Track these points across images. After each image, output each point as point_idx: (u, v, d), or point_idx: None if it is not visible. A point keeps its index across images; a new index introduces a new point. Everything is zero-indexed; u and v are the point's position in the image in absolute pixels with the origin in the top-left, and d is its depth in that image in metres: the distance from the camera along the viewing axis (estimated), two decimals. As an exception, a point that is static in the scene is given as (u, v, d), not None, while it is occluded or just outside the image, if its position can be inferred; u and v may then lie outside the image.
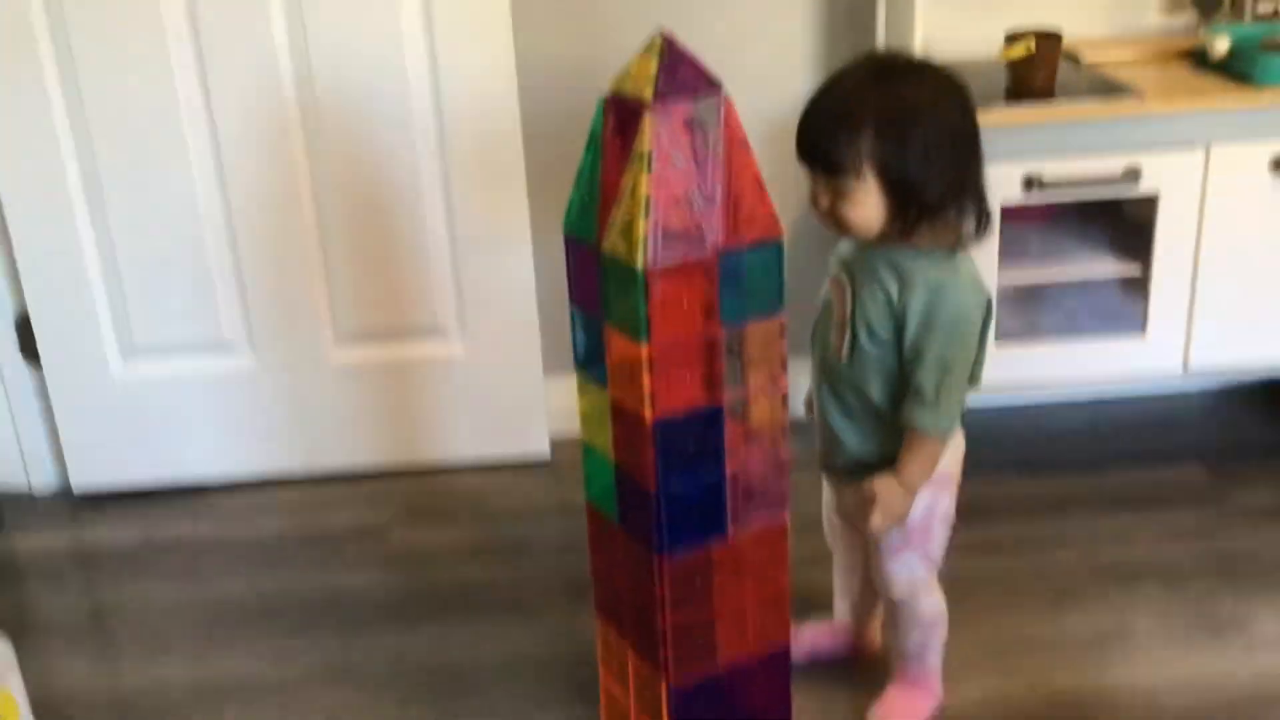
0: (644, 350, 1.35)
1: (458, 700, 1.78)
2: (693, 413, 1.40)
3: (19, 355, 2.31)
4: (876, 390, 1.49)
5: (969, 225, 1.45)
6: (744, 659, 1.55)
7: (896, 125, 1.38)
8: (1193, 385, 2.47)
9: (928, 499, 1.52)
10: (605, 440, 1.49)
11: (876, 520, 1.51)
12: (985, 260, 1.97)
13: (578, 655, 1.80)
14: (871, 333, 1.47)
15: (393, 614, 1.97)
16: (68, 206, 2.17)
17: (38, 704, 1.77)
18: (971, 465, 2.14)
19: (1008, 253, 2.03)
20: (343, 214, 2.20)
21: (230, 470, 2.35)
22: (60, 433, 2.33)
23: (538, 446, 2.37)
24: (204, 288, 2.24)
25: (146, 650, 1.93)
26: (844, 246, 1.53)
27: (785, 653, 1.58)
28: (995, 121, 1.93)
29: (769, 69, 2.25)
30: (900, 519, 1.52)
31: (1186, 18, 2.26)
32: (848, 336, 1.49)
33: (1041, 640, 1.83)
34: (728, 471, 1.45)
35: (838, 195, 1.42)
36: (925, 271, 1.43)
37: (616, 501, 1.50)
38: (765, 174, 1.38)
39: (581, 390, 1.52)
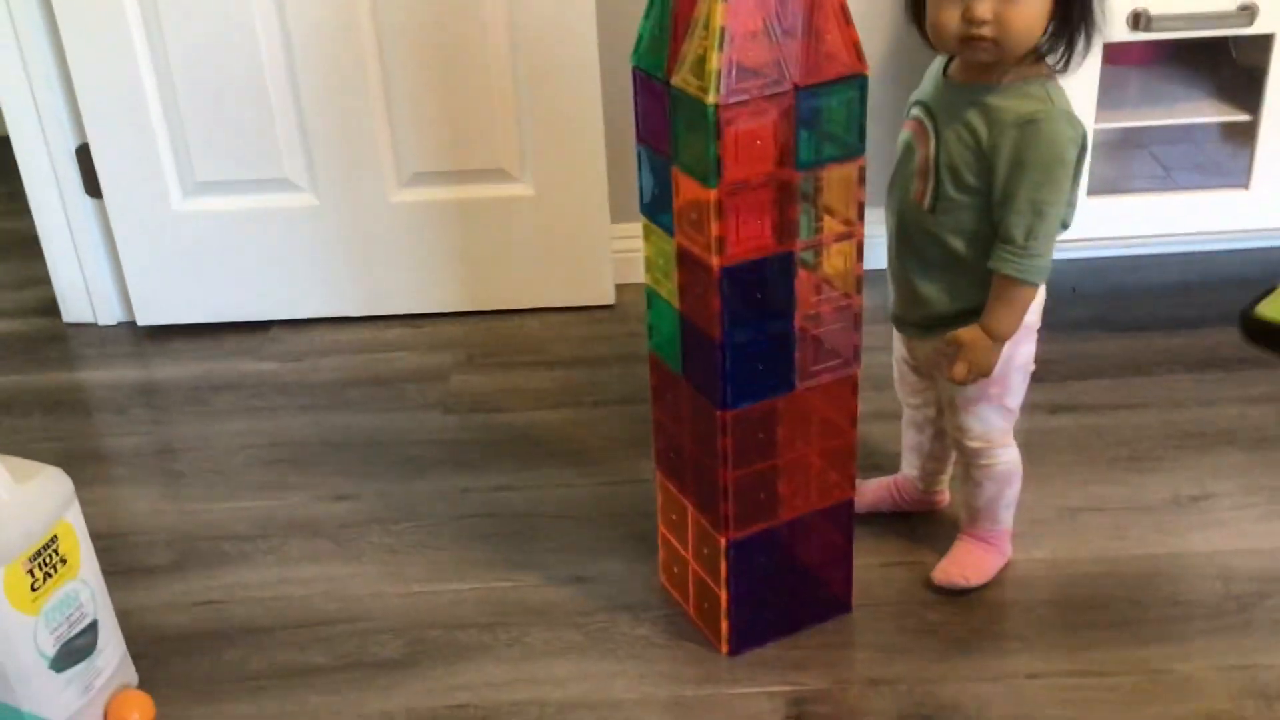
0: (713, 193, 1.28)
1: (515, 545, 1.77)
2: (762, 260, 1.34)
3: (81, 188, 2.28)
4: (961, 239, 1.41)
5: (1064, 56, 1.34)
6: (805, 513, 1.52)
7: None
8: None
9: (1008, 349, 1.45)
10: (670, 288, 1.43)
11: (960, 371, 1.45)
12: (1083, 101, 1.85)
13: (637, 505, 1.78)
14: (957, 178, 1.38)
15: (453, 457, 1.96)
16: (126, 38, 2.10)
17: (101, 535, 1.79)
18: (1054, 319, 2.06)
19: (1106, 95, 1.91)
20: (406, 50, 2.12)
21: (292, 308, 2.34)
22: (123, 267, 2.32)
23: (602, 292, 2.31)
24: (265, 124, 2.18)
25: (208, 484, 1.94)
26: (924, 87, 1.43)
27: (848, 507, 1.54)
28: (1100, -48, 1.79)
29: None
30: (987, 370, 1.45)
31: None
32: (931, 183, 1.40)
33: (1114, 502, 1.77)
34: (797, 321, 1.39)
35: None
36: (1016, 108, 1.34)
37: (680, 352, 1.45)
38: (854, 7, 1.28)
39: (647, 235, 1.45)
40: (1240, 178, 1.92)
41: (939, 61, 1.44)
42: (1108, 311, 2.21)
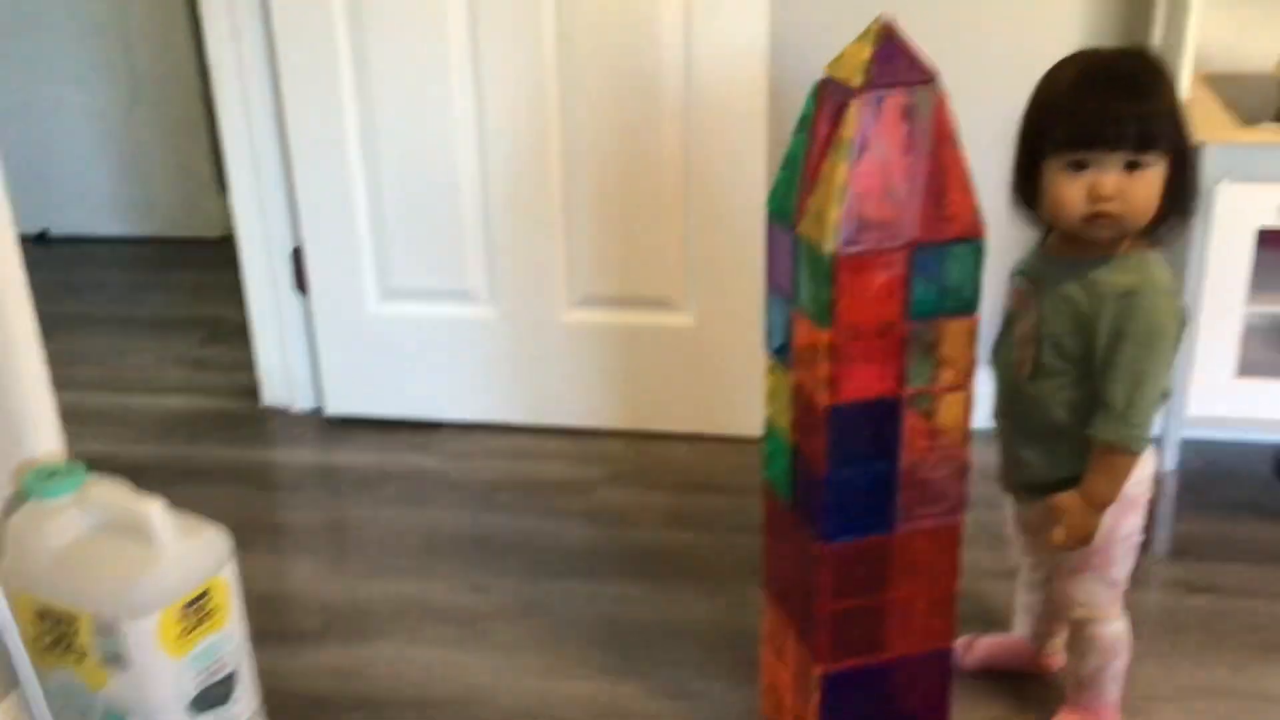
0: (826, 335, 1.36)
1: (630, 653, 1.84)
2: (870, 402, 1.40)
3: (292, 285, 2.53)
4: (1061, 407, 1.45)
5: (1166, 231, 1.39)
6: (903, 656, 1.54)
7: (1175, 100, 1.37)
8: None
9: (1109, 520, 1.46)
10: (786, 422, 1.51)
11: (1059, 537, 1.47)
12: (1234, 284, 1.87)
13: (748, 632, 1.83)
14: (1058, 347, 1.43)
15: (585, 565, 2.06)
16: (344, 154, 2.35)
17: (259, 597, 1.97)
18: (1200, 499, 2.04)
19: (1264, 280, 1.91)
20: (588, 180, 2.30)
21: (462, 411, 2.51)
22: (320, 360, 2.54)
23: (751, 424, 2.39)
24: (456, 240, 2.38)
25: (362, 564, 2.10)
26: (1027, 258, 1.49)
27: (947, 654, 1.56)
28: (1261, 139, 1.82)
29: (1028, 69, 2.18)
30: (1086, 538, 1.47)
31: None
32: (1032, 352, 1.45)
33: (1237, 690, 1.72)
34: (902, 465, 1.44)
35: (1131, 175, 1.35)
36: (1116, 279, 1.39)
37: (790, 484, 1.52)
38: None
39: (770, 371, 1.54)
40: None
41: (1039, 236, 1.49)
42: (1262, 497, 2.16)
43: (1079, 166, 1.36)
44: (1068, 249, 1.43)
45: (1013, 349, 1.49)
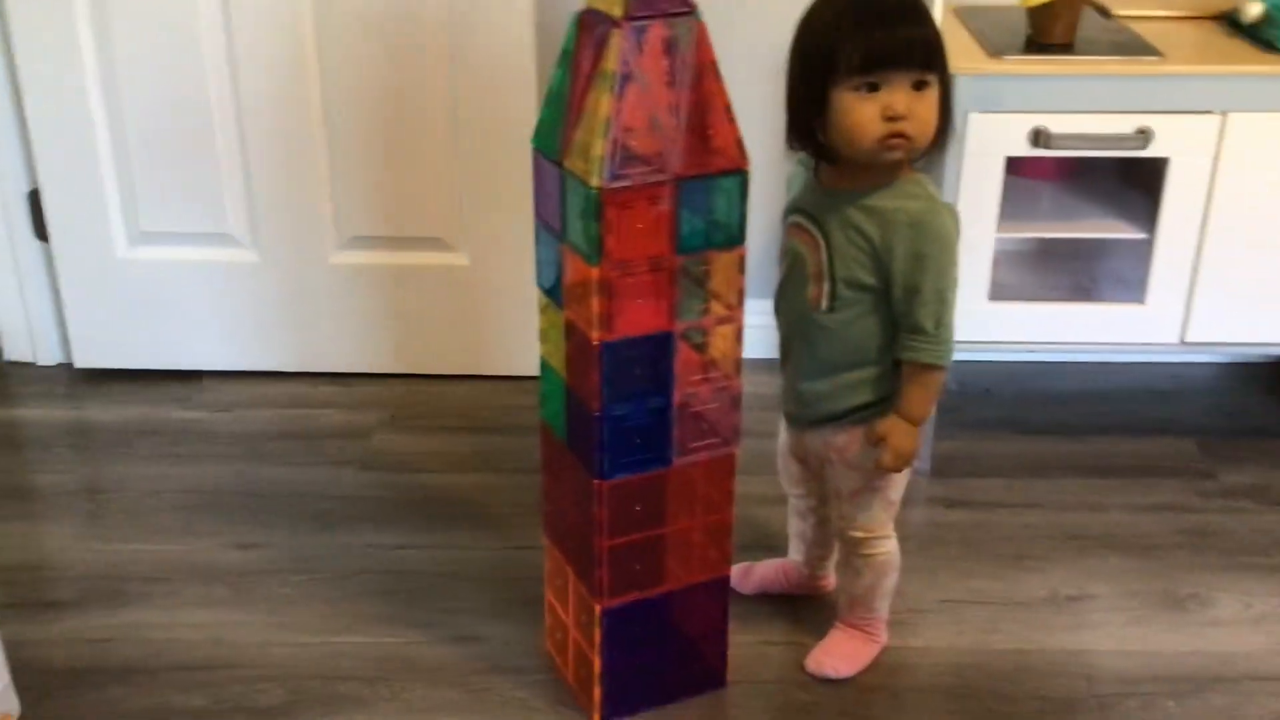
0: (595, 271, 1.34)
1: (409, 602, 1.81)
2: (642, 337, 1.40)
3: (30, 231, 2.35)
4: (864, 335, 1.48)
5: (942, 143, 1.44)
6: (683, 586, 1.56)
7: (936, 26, 1.41)
8: (1197, 357, 2.42)
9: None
10: (560, 361, 1.49)
11: (888, 461, 1.51)
12: (985, 212, 1.94)
13: (534, 572, 1.81)
14: (853, 279, 1.46)
15: (363, 514, 2.01)
16: (82, 87, 2.19)
17: (8, 567, 1.84)
18: (957, 419, 2.14)
19: (1013, 206, 1.99)
20: (352, 119, 2.20)
21: (226, 360, 2.39)
22: (65, 309, 2.38)
23: (528, 363, 2.37)
24: (212, 180, 2.25)
25: (119, 526, 1.98)
26: (799, 192, 1.51)
27: (724, 583, 1.59)
28: (1008, 70, 1.89)
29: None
30: (912, 455, 1.52)
31: (1232, -21, 2.19)
32: (827, 286, 1.48)
33: (994, 597, 1.82)
34: (676, 399, 1.45)
35: (919, 94, 1.38)
36: (905, 206, 1.42)
37: (565, 422, 1.51)
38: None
39: (542, 308, 1.52)
40: (1137, 292, 2.00)
41: (804, 170, 1.51)
42: (1013, 414, 2.28)
43: (872, 88, 1.38)
44: (844, 180, 1.45)
45: (803, 285, 1.50)
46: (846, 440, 1.54)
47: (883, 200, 1.44)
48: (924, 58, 1.38)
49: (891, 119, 1.38)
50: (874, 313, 1.47)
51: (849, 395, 1.52)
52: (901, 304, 1.45)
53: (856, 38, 1.37)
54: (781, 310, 1.57)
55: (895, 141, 1.40)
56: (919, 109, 1.39)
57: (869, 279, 1.45)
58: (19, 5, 2.13)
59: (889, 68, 1.37)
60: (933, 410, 1.51)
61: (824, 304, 1.49)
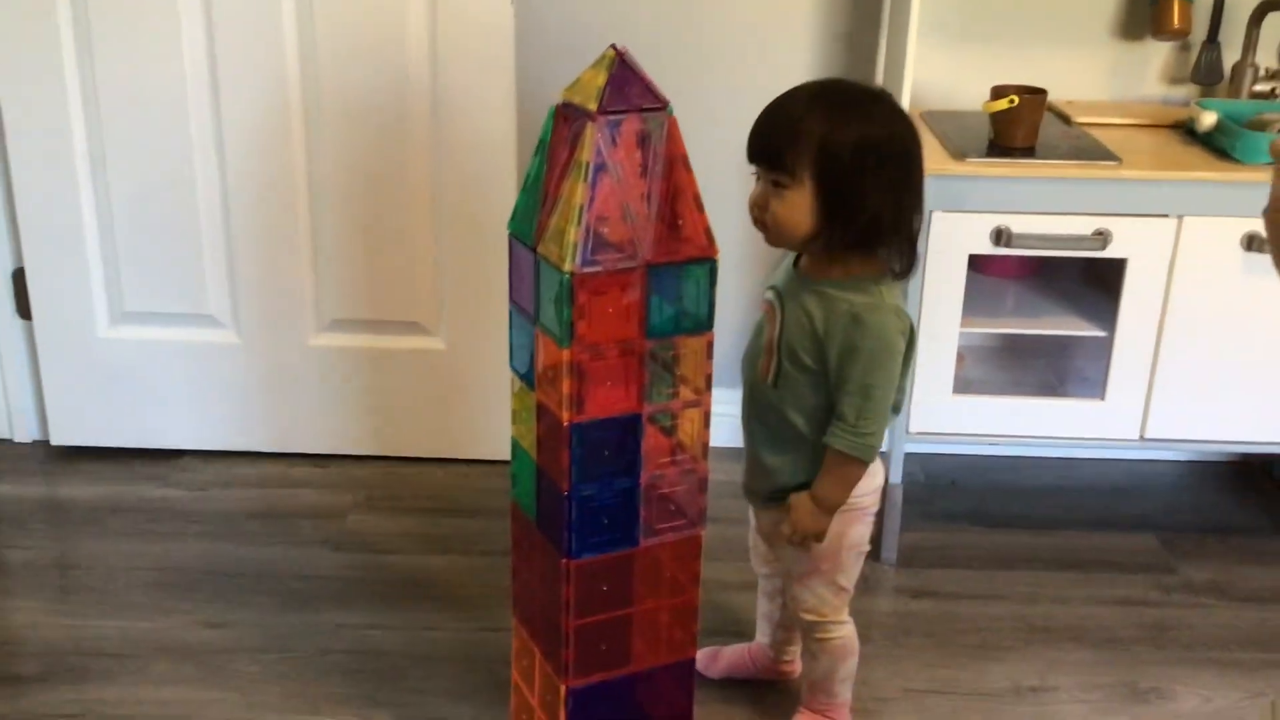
0: (566, 353, 1.38)
1: (378, 683, 1.81)
2: (611, 419, 1.43)
3: (12, 309, 2.38)
4: (800, 414, 1.52)
5: (895, 262, 1.47)
6: (647, 668, 1.58)
7: (842, 141, 1.41)
8: (1159, 454, 2.47)
9: (838, 526, 1.54)
10: (530, 441, 1.52)
11: (786, 532, 1.53)
12: (949, 306, 2.00)
13: (502, 654, 1.82)
14: (795, 358, 1.50)
15: (333, 594, 2.02)
16: (71, 169, 2.24)
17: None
18: (923, 510, 2.18)
19: (978, 303, 2.05)
20: (334, 204, 2.26)
21: (203, 439, 2.41)
22: (44, 387, 2.40)
23: (503, 447, 2.39)
24: (194, 262, 2.30)
25: (92, 602, 1.99)
26: (779, 274, 1.56)
27: (690, 665, 1.60)
28: (970, 171, 1.96)
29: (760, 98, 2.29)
30: (812, 536, 1.54)
31: (1186, 90, 2.29)
32: (774, 360, 1.52)
33: (958, 687, 1.84)
34: (643, 480, 1.48)
35: (773, 191, 1.45)
36: (848, 299, 1.46)
37: (535, 502, 1.53)
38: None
39: (515, 391, 1.55)
40: (1097, 388, 2.05)
41: (791, 254, 1.57)
42: (979, 506, 2.32)
43: (757, 176, 1.48)
44: (815, 269, 1.51)
45: (758, 356, 1.55)
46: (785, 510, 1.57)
47: (834, 290, 1.48)
48: (769, 161, 1.44)
49: (751, 205, 1.48)
50: (812, 394, 1.51)
51: (793, 472, 1.55)
52: (834, 391, 1.49)
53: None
54: (743, 379, 1.61)
55: (760, 228, 1.48)
56: (773, 204, 1.45)
57: (808, 360, 1.50)
58: (9, 86, 2.19)
59: (751, 160, 1.47)
60: (844, 499, 1.53)
61: (770, 377, 1.53)
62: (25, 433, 2.47)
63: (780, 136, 1.43)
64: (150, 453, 2.41)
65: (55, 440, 2.42)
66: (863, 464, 1.50)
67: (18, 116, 2.21)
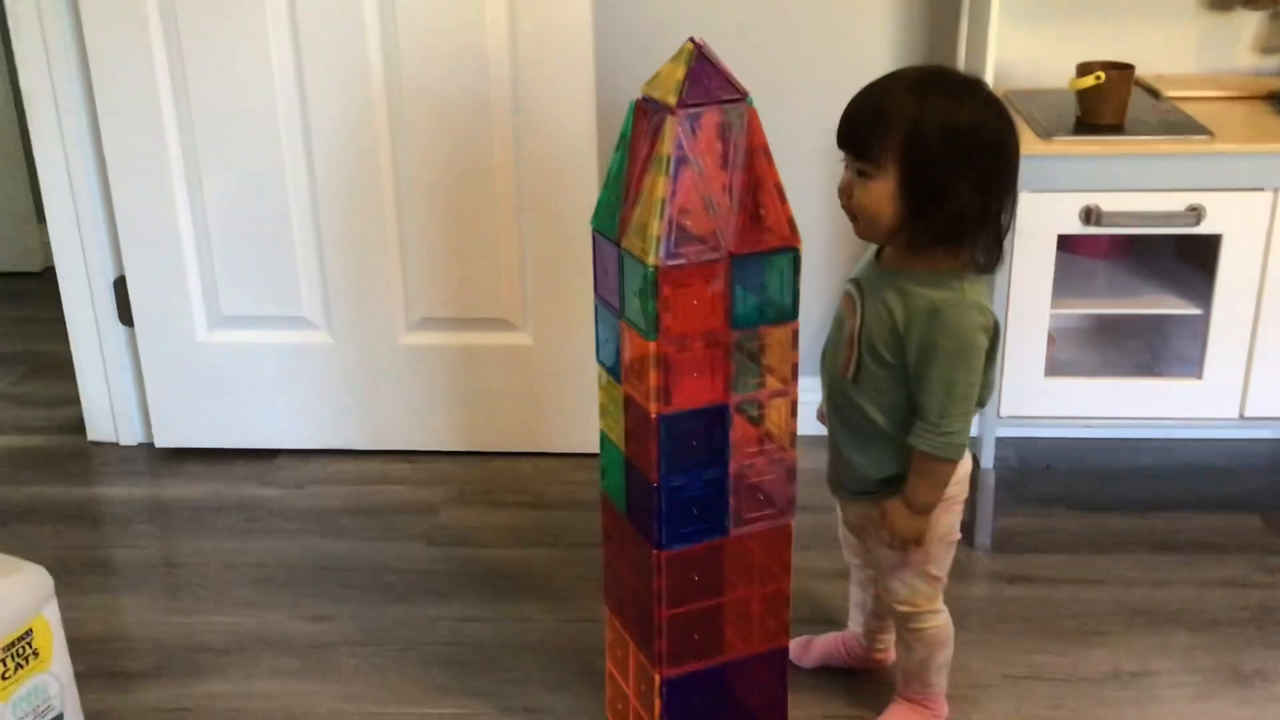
0: (652, 346, 1.40)
1: (473, 674, 1.84)
2: (698, 410, 1.44)
3: (115, 316, 2.46)
4: (880, 411, 1.51)
5: (980, 254, 1.45)
6: (740, 657, 1.58)
7: (928, 129, 1.39)
8: (1259, 432, 2.41)
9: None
10: (619, 434, 1.54)
11: (885, 539, 1.53)
12: (1039, 288, 1.97)
13: (593, 645, 1.85)
14: (874, 352, 1.49)
15: (429, 588, 2.05)
16: (167, 181, 2.30)
17: (89, 639, 1.91)
18: (1017, 494, 2.15)
19: (1068, 284, 2.02)
20: (420, 205, 2.29)
21: (299, 438, 2.47)
22: (147, 391, 2.47)
23: (591, 440, 2.41)
24: (287, 266, 2.35)
25: (197, 599, 2.05)
26: (860, 266, 1.55)
27: (783, 654, 1.61)
28: (1058, 151, 1.93)
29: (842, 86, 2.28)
30: (912, 541, 1.53)
31: (1279, 60, 2.22)
32: (854, 355, 1.51)
33: (1057, 673, 1.81)
34: (732, 470, 1.48)
35: (857, 179, 1.44)
36: (927, 294, 1.45)
37: (625, 494, 1.55)
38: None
39: (602, 384, 1.57)
40: (1194, 367, 2.01)
41: (873, 246, 1.56)
42: (1074, 490, 2.28)
43: (845, 163, 1.47)
44: (897, 261, 1.49)
45: (839, 350, 1.54)
46: (878, 514, 1.56)
47: (914, 285, 1.46)
48: (855, 147, 1.43)
49: (840, 192, 1.46)
50: (893, 389, 1.50)
51: (877, 466, 1.55)
52: (914, 388, 1.48)
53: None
54: (822, 374, 1.60)
55: (849, 215, 1.47)
56: (857, 192, 1.44)
57: (888, 355, 1.48)
58: (108, 103, 2.26)
59: (839, 146, 1.45)
60: (937, 500, 1.51)
61: (850, 372, 1.52)
62: (130, 436, 2.55)
63: (866, 123, 1.42)
64: (249, 452, 2.47)
65: (159, 443, 2.50)
66: (951, 463, 1.49)
67: (115, 132, 2.28)
